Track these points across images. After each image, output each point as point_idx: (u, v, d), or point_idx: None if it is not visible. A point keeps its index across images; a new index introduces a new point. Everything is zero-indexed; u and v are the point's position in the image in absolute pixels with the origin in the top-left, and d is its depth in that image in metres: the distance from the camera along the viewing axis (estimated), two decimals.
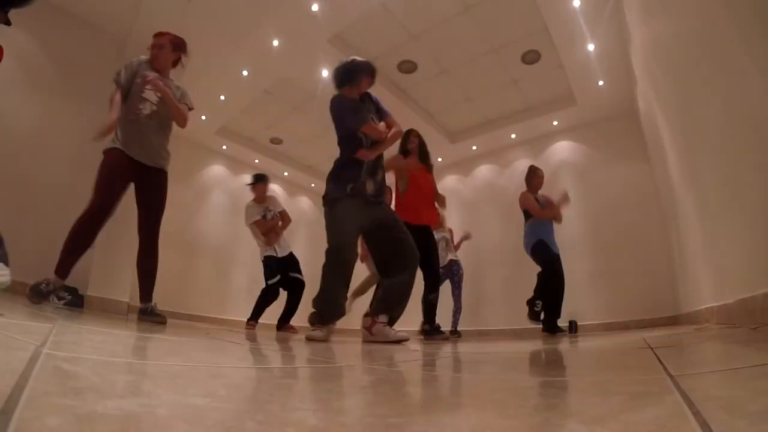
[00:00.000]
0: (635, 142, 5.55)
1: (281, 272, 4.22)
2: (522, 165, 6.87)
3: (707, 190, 2.51)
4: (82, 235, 2.40)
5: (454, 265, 5.09)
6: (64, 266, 2.36)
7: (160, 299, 3.24)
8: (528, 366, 1.23)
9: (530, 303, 3.84)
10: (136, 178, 2.61)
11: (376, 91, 5.93)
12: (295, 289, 4.23)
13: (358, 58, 2.55)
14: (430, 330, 3.32)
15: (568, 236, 5.95)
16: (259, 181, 4.45)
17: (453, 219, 7.34)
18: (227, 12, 4.27)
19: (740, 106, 1.75)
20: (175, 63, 2.79)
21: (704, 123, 2.27)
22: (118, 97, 2.51)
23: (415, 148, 3.47)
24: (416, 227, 3.16)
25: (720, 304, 2.43)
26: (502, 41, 4.94)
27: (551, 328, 3.77)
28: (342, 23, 4.60)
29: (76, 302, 3.11)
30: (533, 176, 4.30)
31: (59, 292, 2.50)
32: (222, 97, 5.85)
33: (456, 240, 5.39)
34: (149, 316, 2.62)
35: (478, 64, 5.33)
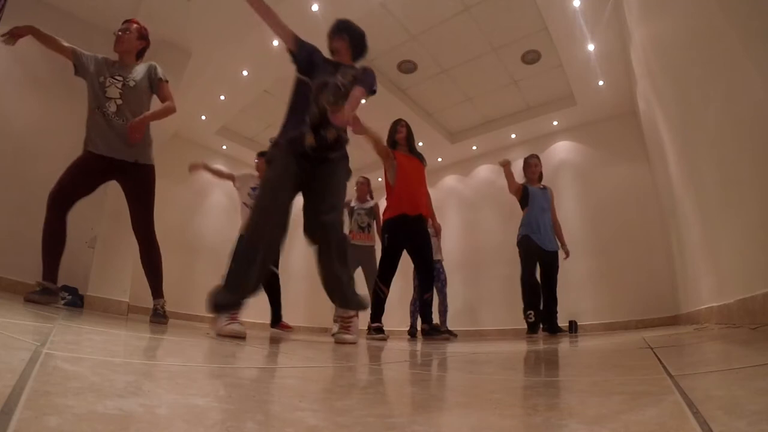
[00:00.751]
0: (635, 142, 5.55)
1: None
2: (522, 165, 6.88)
3: (707, 190, 2.51)
4: (48, 234, 2.33)
5: (438, 264, 4.85)
6: (48, 269, 2.32)
7: None
8: (528, 366, 1.23)
9: (524, 315, 3.69)
10: (115, 175, 2.55)
11: (377, 91, 5.93)
12: (270, 283, 3.92)
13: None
14: (429, 330, 3.28)
15: (568, 236, 5.95)
16: (263, 156, 4.37)
17: (453, 219, 7.35)
18: (227, 12, 4.27)
19: (740, 105, 1.75)
20: (140, 53, 2.71)
21: (704, 123, 2.27)
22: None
23: (403, 138, 3.41)
24: (413, 218, 3.12)
25: (720, 304, 2.43)
26: (502, 41, 4.94)
27: (551, 328, 3.76)
28: None
29: (76, 302, 3.10)
30: (525, 167, 4.23)
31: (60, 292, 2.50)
32: (222, 97, 5.85)
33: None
34: (154, 316, 2.62)
35: (478, 64, 5.33)
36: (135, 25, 2.66)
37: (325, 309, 4.77)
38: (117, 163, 2.51)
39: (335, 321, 3.71)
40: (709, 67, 2.03)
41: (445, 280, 4.97)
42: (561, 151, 6.48)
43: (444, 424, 0.45)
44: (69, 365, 0.60)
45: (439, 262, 4.94)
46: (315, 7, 4.27)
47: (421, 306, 3.33)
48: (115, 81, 2.50)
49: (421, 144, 7.07)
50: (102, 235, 3.54)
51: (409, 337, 4.42)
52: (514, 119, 6.47)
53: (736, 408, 0.44)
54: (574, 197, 6.14)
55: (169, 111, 2.62)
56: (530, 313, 3.62)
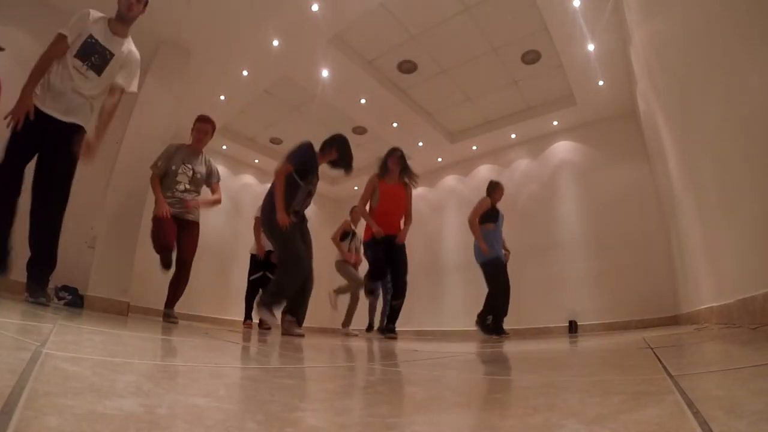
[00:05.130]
0: (635, 142, 5.55)
1: (264, 269, 4.36)
2: (522, 165, 6.88)
3: (707, 190, 2.51)
4: None
5: None
6: None
7: (161, 299, 3.25)
8: (528, 366, 1.23)
9: (492, 321, 4.08)
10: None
11: (377, 91, 5.95)
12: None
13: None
14: (389, 329, 3.60)
15: (568, 236, 5.96)
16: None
17: (453, 219, 7.35)
18: (227, 12, 4.27)
19: (740, 105, 1.75)
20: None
21: (704, 123, 2.27)
22: None
23: (394, 168, 3.66)
24: (386, 237, 3.52)
25: (720, 304, 2.43)
26: (502, 41, 4.94)
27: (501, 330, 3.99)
28: (342, 23, 4.60)
29: (76, 302, 3.10)
30: (495, 189, 4.37)
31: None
32: (222, 97, 5.85)
33: None
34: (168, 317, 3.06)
35: (478, 64, 5.32)
36: (212, 126, 3.39)
37: (325, 309, 4.78)
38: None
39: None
40: (709, 67, 2.03)
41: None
42: (561, 151, 6.48)
43: (444, 424, 0.45)
44: (69, 365, 0.60)
45: None
46: (315, 7, 4.26)
47: (390, 310, 3.69)
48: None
49: (420, 144, 7.08)
50: (102, 235, 3.54)
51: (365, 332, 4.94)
52: (514, 119, 6.47)
53: (736, 408, 0.44)
54: (574, 197, 6.14)
55: (217, 201, 3.51)
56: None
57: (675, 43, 2.54)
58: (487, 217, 4.22)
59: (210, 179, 3.40)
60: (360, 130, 6.84)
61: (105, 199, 3.47)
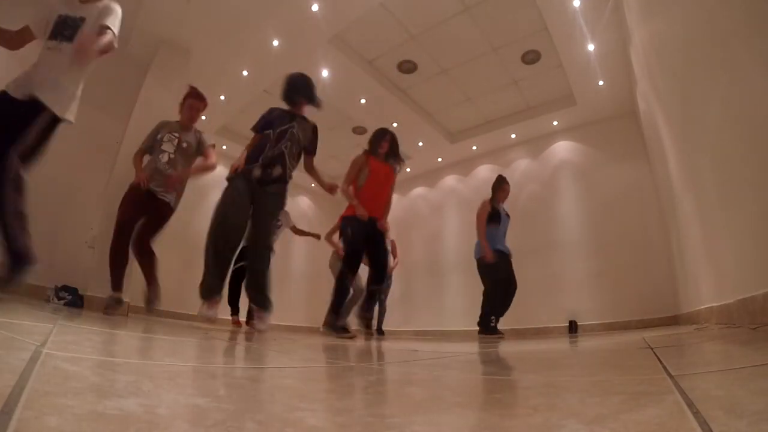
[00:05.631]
0: (635, 142, 5.55)
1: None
2: (522, 165, 6.88)
3: (707, 190, 2.51)
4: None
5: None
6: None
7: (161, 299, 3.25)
8: (528, 366, 1.23)
9: (492, 321, 3.97)
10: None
11: (377, 91, 5.96)
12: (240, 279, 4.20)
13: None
14: (365, 319, 3.39)
15: (568, 236, 5.96)
16: None
17: (453, 219, 7.35)
18: (227, 12, 4.27)
19: (740, 105, 1.75)
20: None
21: (704, 123, 2.27)
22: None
23: (384, 152, 3.48)
24: (369, 219, 3.32)
25: (720, 304, 2.43)
26: (502, 41, 4.94)
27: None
28: (342, 23, 4.60)
29: (76, 302, 3.10)
30: (499, 187, 4.30)
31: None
32: (222, 97, 5.85)
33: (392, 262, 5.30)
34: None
35: (478, 64, 5.33)
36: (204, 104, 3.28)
37: (323, 309, 4.76)
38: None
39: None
40: (709, 66, 2.03)
41: (388, 286, 5.22)
42: (561, 151, 6.48)
43: (444, 424, 0.45)
44: (69, 365, 0.60)
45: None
46: (315, 7, 4.26)
47: (365, 294, 3.47)
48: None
49: (420, 144, 7.08)
50: (102, 235, 3.54)
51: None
52: (514, 119, 6.48)
53: (736, 408, 0.44)
54: (574, 197, 6.14)
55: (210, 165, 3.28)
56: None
57: (675, 43, 2.54)
58: (489, 218, 4.17)
59: (200, 148, 3.18)
60: (360, 130, 6.84)
61: (105, 199, 3.47)
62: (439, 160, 7.60)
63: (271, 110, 3.04)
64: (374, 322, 5.16)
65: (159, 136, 3.00)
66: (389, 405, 0.56)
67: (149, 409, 0.40)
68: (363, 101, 5.99)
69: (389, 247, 5.13)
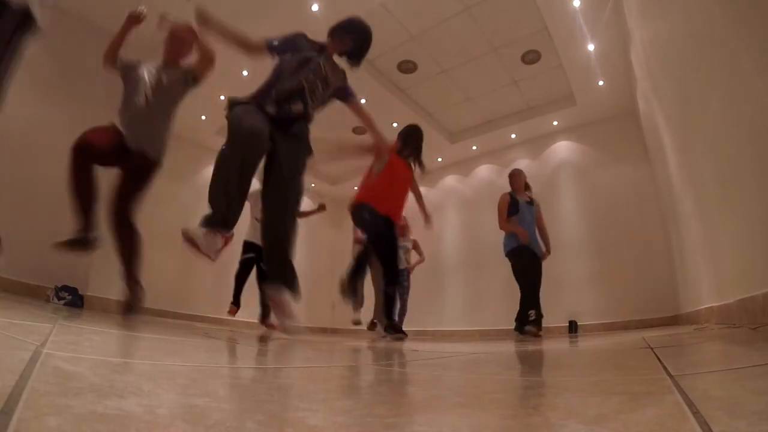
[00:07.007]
0: (635, 142, 5.55)
1: (255, 254, 4.12)
2: (522, 165, 6.87)
3: (707, 190, 2.51)
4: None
5: (404, 272, 4.97)
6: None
7: (160, 299, 3.25)
8: (528, 366, 1.23)
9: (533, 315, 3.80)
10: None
11: (377, 91, 5.96)
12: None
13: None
14: (387, 327, 3.14)
15: (569, 236, 5.96)
16: None
17: (453, 219, 7.35)
18: (227, 12, 4.26)
19: (740, 106, 1.75)
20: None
21: (704, 123, 2.27)
22: None
23: (411, 147, 3.48)
24: (379, 216, 3.19)
25: (720, 304, 2.43)
26: (502, 41, 4.94)
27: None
28: None
29: (76, 302, 3.10)
30: (510, 179, 4.24)
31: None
32: (222, 97, 5.82)
33: (412, 260, 5.32)
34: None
35: (478, 64, 5.32)
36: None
37: (325, 309, 4.75)
38: None
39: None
40: (709, 67, 2.03)
41: (407, 287, 5.15)
42: (561, 151, 6.48)
43: (444, 424, 0.45)
44: (69, 365, 0.60)
45: (406, 270, 5.09)
46: (315, 7, 4.27)
47: (383, 299, 3.29)
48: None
49: None
50: (102, 235, 3.54)
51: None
52: (514, 119, 6.48)
53: (736, 408, 0.44)
54: (574, 197, 6.14)
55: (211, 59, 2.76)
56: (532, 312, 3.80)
57: (675, 43, 2.54)
58: (509, 209, 4.06)
59: (189, 79, 2.64)
60: (360, 130, 6.83)
61: (105, 199, 3.46)
62: (439, 160, 7.60)
63: (297, 34, 2.40)
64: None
65: (137, 70, 2.49)
66: (389, 405, 0.56)
67: (149, 409, 0.40)
68: (363, 101, 5.98)
69: (410, 246, 5.17)
